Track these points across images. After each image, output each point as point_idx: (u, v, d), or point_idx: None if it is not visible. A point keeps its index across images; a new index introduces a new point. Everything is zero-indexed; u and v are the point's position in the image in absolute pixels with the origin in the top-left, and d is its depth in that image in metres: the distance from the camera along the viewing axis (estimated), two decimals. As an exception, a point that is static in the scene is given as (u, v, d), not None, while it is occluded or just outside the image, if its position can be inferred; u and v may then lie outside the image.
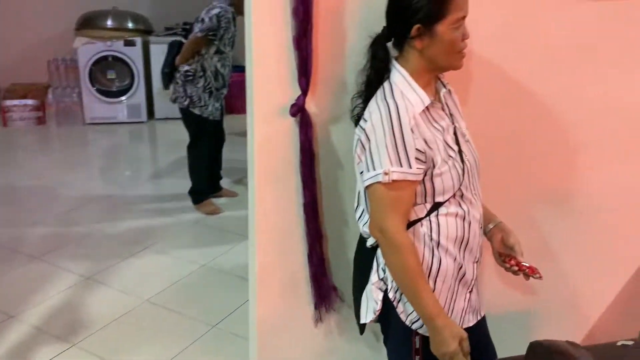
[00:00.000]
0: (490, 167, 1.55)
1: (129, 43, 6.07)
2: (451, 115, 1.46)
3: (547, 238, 1.99)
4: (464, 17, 1.32)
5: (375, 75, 1.42)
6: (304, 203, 1.63)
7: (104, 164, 5.32)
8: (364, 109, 1.42)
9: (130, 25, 6.19)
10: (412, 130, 1.29)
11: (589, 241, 2.02)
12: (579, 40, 1.74)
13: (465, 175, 1.40)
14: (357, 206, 1.49)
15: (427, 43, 1.32)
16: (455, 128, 1.44)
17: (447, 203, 1.38)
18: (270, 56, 1.52)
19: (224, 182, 4.25)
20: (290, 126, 1.58)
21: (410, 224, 1.37)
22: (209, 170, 4.03)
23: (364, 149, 1.34)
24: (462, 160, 1.40)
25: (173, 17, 6.43)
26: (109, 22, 6.10)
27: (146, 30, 6.33)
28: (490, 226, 1.58)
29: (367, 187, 1.35)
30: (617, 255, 2.08)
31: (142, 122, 6.35)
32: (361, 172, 1.37)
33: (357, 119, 1.46)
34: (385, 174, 1.29)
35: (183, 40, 3.68)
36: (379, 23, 1.40)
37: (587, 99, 1.81)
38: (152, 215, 3.94)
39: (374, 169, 1.31)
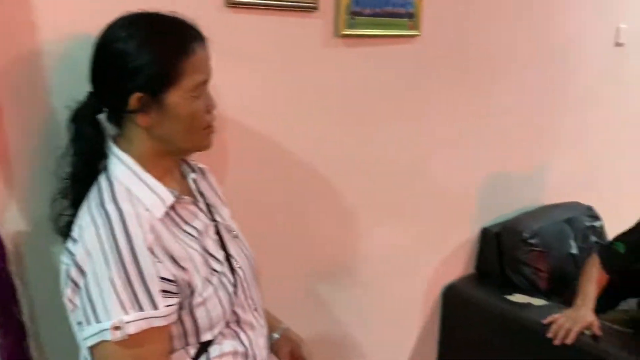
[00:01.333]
0: (264, 245, 1.20)
1: None
2: (209, 206, 1.06)
3: (337, 316, 1.73)
4: (205, 82, 0.93)
5: (84, 165, 0.94)
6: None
7: None
8: (74, 216, 0.93)
9: None
10: (150, 251, 0.85)
11: (375, 310, 1.84)
12: (335, 95, 1.52)
13: (239, 289, 1.01)
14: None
15: (156, 119, 0.90)
16: (217, 225, 1.04)
17: (219, 339, 0.97)
18: None
19: None
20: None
21: (169, 382, 0.92)
22: None
23: (77, 287, 0.85)
24: (233, 270, 1.00)
25: None
26: None
27: None
28: (276, 336, 1.22)
29: (90, 347, 0.85)
30: (400, 322, 1.96)
31: None
32: (79, 323, 0.87)
33: (65, 232, 0.95)
34: (116, 328, 0.81)
35: None
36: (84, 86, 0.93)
37: (353, 156, 1.61)
38: None
39: (97, 321, 0.82)
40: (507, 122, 2.06)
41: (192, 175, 1.05)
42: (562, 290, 1.95)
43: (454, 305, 2.01)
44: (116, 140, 0.95)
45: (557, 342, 1.65)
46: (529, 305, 1.85)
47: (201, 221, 0.99)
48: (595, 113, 2.49)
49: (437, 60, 1.73)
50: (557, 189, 2.37)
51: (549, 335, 1.67)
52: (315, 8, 1.36)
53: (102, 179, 0.92)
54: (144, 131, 0.91)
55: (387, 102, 1.63)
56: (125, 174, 0.92)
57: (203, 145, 0.98)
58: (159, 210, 0.90)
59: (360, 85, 1.55)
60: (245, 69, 1.29)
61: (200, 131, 0.95)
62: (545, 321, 1.72)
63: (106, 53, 0.89)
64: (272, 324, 1.21)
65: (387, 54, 1.58)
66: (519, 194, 2.23)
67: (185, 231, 0.95)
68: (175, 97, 0.89)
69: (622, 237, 1.76)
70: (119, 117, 0.94)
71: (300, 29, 1.37)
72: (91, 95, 0.94)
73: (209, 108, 0.95)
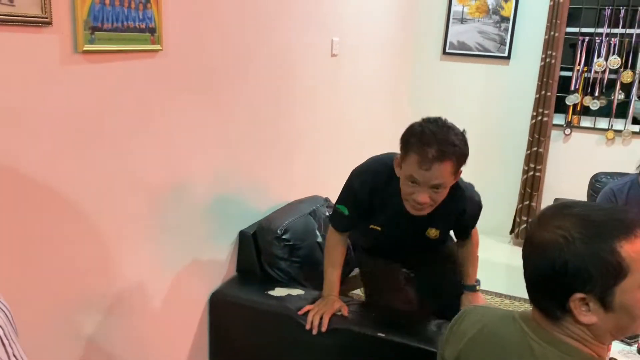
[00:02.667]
0: (12, 290, 1.06)
1: None
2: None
3: (110, 348, 1.63)
4: None
5: None
6: None
7: None
8: None
9: None
10: None
11: (148, 334, 1.78)
12: (80, 113, 1.42)
13: (1, 351, 0.88)
14: None
15: None
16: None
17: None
18: None
19: None
20: None
21: None
22: None
23: None
24: None
25: None
26: None
27: None
28: None
29: None
30: (173, 339, 1.94)
31: None
32: None
33: None
34: None
35: None
36: None
37: (104, 177, 1.53)
38: None
39: None
40: (249, 129, 2.19)
41: None
42: (315, 277, 2.17)
43: (221, 309, 2.07)
44: None
45: (314, 331, 1.85)
46: (288, 296, 2.02)
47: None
48: (318, 115, 2.82)
49: (181, 74, 1.74)
50: (298, 185, 2.62)
51: (307, 327, 1.86)
52: (48, 23, 1.24)
53: None
54: None
55: (135, 117, 1.58)
56: None
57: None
58: None
59: (106, 102, 1.47)
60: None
61: None
62: (300, 312, 1.91)
63: None
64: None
65: (131, 69, 1.54)
66: (268, 195, 2.40)
67: None
68: None
69: (341, 201, 1.92)
70: None
71: (33, 46, 1.23)
72: None
73: None
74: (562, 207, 0.98)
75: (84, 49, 1.34)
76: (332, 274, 1.95)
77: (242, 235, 2.18)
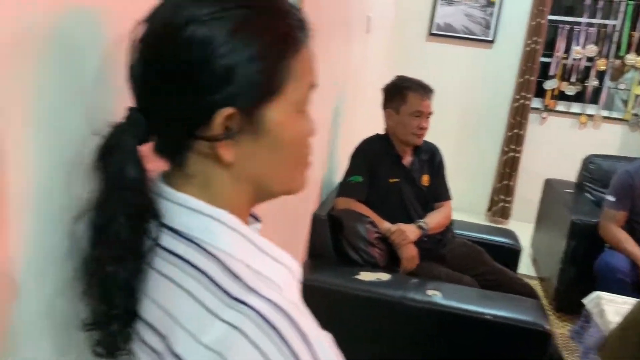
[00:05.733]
0: None
1: None
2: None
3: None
4: (314, 89, 0.65)
5: (131, 234, 0.56)
6: None
7: None
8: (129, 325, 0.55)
9: None
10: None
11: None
12: None
13: None
14: None
15: (248, 148, 0.58)
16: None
17: None
18: None
19: None
20: None
21: None
22: None
23: None
24: None
25: None
26: None
27: None
28: None
29: None
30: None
31: None
32: None
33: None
34: None
35: None
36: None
37: None
38: None
39: None
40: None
41: (257, 226, 0.71)
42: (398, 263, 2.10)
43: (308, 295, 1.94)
44: (176, 181, 0.58)
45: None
46: (378, 281, 1.93)
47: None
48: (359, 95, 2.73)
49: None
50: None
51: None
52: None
53: (195, 258, 0.55)
54: (225, 169, 0.58)
55: None
56: (235, 241, 0.57)
57: (299, 185, 0.67)
58: (292, 287, 0.60)
59: None
60: None
61: (304, 164, 0.66)
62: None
63: (174, 42, 0.53)
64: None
65: None
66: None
67: None
68: (277, 114, 0.59)
69: (351, 174, 2.14)
70: (182, 149, 0.57)
71: None
72: (135, 113, 0.55)
73: (312, 130, 0.66)
74: None
75: None
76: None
77: (316, 218, 2.08)
